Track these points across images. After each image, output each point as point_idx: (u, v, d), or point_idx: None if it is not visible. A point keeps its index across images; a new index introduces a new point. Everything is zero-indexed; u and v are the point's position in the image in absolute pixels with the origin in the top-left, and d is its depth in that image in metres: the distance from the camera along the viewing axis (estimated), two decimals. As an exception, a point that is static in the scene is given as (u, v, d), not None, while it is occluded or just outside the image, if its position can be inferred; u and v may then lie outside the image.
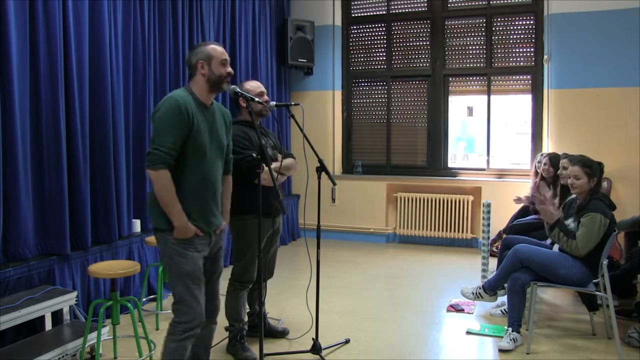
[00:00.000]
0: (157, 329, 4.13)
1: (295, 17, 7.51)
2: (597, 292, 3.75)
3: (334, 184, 3.64)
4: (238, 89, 3.17)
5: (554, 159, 5.08)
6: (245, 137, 3.48)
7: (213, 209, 2.83)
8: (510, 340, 3.74)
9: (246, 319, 3.73)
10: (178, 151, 2.63)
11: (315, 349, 3.59)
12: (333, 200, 7.51)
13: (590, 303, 4.06)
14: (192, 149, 2.67)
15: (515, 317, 3.81)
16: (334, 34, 7.56)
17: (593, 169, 3.76)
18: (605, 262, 3.68)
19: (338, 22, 7.60)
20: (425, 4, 7.29)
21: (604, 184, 5.40)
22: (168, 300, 4.77)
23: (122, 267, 3.43)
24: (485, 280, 4.27)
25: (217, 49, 2.81)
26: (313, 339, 3.65)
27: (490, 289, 4.11)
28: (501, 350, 3.72)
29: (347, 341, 3.88)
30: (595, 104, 6.27)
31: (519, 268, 3.83)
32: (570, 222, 3.81)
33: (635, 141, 6.05)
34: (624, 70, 6.10)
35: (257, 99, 3.26)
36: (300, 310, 4.15)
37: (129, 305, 3.35)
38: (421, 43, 7.37)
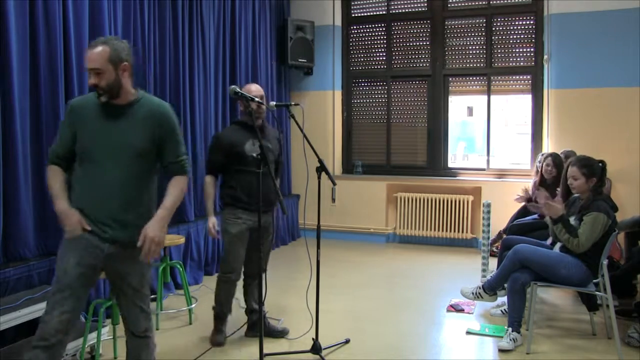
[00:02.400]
0: (158, 329, 4.13)
1: (295, 17, 7.51)
2: (597, 292, 3.75)
3: (334, 184, 3.64)
4: (238, 89, 3.17)
5: (557, 159, 5.08)
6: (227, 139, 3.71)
7: (104, 217, 2.53)
8: (510, 340, 3.74)
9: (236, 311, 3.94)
10: (63, 151, 2.60)
11: (315, 349, 3.59)
12: (333, 200, 7.51)
13: (590, 303, 4.06)
14: (79, 149, 2.56)
15: (515, 317, 3.81)
16: (334, 34, 7.56)
17: (591, 168, 3.76)
18: (605, 262, 3.68)
19: (338, 22, 7.60)
20: (425, 4, 7.29)
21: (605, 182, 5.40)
22: (168, 301, 4.77)
23: (122, 267, 3.42)
24: (485, 280, 4.27)
25: (86, 55, 2.57)
26: (313, 339, 3.65)
27: (490, 289, 4.11)
28: (501, 350, 3.72)
29: (347, 341, 3.88)
30: (595, 104, 6.27)
31: (519, 268, 3.83)
32: (572, 220, 3.81)
33: (635, 141, 6.05)
34: (624, 70, 6.11)
35: (257, 99, 3.26)
36: (300, 310, 4.15)
37: (129, 305, 3.35)
38: (421, 43, 7.37)
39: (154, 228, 2.49)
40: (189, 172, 2.75)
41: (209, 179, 3.80)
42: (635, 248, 4.65)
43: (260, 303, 3.11)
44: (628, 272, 4.46)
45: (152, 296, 4.58)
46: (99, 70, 2.47)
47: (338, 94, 7.67)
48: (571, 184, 3.84)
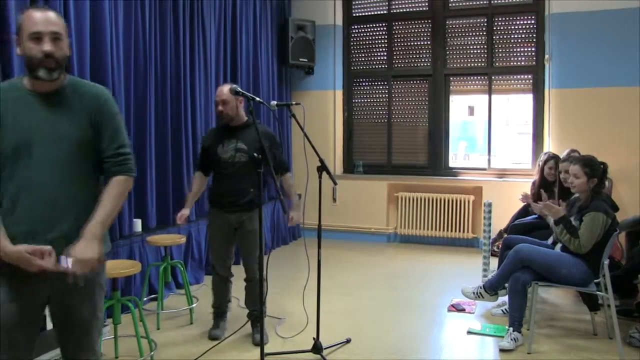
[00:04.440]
0: (158, 329, 4.13)
1: (296, 16, 7.51)
2: (598, 292, 3.75)
3: (335, 183, 3.65)
4: (239, 88, 3.18)
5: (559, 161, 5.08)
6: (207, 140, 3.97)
7: (42, 228, 2.02)
8: (511, 340, 3.74)
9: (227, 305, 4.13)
10: None
11: (316, 348, 3.59)
12: (334, 199, 7.51)
13: (592, 303, 4.06)
14: (5, 147, 2.00)
15: (516, 317, 3.81)
16: (335, 33, 7.55)
17: (593, 168, 3.76)
18: (606, 262, 3.68)
19: (339, 21, 7.60)
20: (426, 4, 7.28)
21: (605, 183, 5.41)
22: (169, 300, 4.78)
23: (123, 267, 3.43)
24: (486, 279, 4.27)
25: (32, 16, 2.00)
26: (314, 338, 3.65)
27: (491, 289, 4.11)
28: (502, 350, 3.72)
29: (348, 341, 3.88)
30: (596, 103, 6.27)
31: (520, 268, 3.83)
32: (572, 221, 3.81)
33: (636, 141, 6.05)
34: (625, 70, 6.11)
35: (257, 99, 3.26)
36: (301, 310, 4.16)
37: (130, 304, 3.35)
38: (422, 42, 7.37)
39: (83, 250, 1.98)
40: (133, 172, 2.20)
41: (196, 174, 4.06)
42: (636, 248, 4.65)
43: (262, 303, 3.11)
44: (629, 272, 4.46)
45: (153, 296, 4.63)
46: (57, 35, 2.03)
47: (339, 94, 7.66)
48: (572, 182, 3.84)
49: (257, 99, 3.27)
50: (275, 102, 3.65)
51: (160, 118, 5.11)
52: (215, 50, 5.95)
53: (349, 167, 7.79)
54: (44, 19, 1.99)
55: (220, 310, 4.06)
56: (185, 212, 3.98)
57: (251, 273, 3.88)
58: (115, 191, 2.12)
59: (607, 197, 3.86)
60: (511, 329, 3.80)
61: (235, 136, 3.81)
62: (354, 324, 4.27)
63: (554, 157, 5.20)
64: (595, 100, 6.27)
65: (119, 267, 3.41)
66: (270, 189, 6.61)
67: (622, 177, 5.97)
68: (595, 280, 3.73)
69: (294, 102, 3.79)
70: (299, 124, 3.54)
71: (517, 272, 3.82)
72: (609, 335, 3.95)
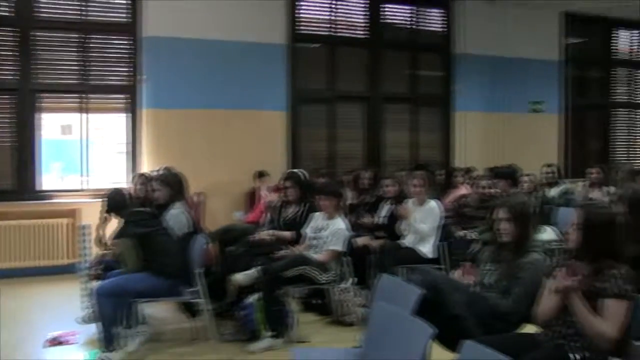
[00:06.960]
0: None
1: None
2: (195, 300, 3.99)
3: None
4: None
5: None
6: None
7: None
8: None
9: None
10: None
11: None
12: None
13: (192, 310, 4.31)
14: None
15: (107, 336, 3.71)
16: None
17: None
18: (199, 270, 3.96)
19: None
20: (11, 11, 6.60)
21: (200, 197, 5.97)
22: None
23: None
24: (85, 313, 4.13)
25: None
26: None
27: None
28: None
29: None
30: (192, 123, 6.84)
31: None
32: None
33: (224, 159, 6.85)
34: (221, 95, 6.91)
35: None
36: None
37: None
38: (6, 54, 6.64)
39: None
40: None
41: None
42: (224, 255, 5.15)
43: None
44: (221, 275, 4.89)
45: None
46: None
47: None
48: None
49: None
50: None
51: None
52: None
53: None
54: None
55: None
56: None
57: None
58: None
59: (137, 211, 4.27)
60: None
61: None
62: None
63: (142, 175, 5.46)
64: (189, 120, 6.82)
65: None
66: None
67: (215, 192, 6.61)
68: (192, 289, 3.96)
69: None
70: None
71: (112, 297, 3.77)
72: (208, 336, 4.22)
